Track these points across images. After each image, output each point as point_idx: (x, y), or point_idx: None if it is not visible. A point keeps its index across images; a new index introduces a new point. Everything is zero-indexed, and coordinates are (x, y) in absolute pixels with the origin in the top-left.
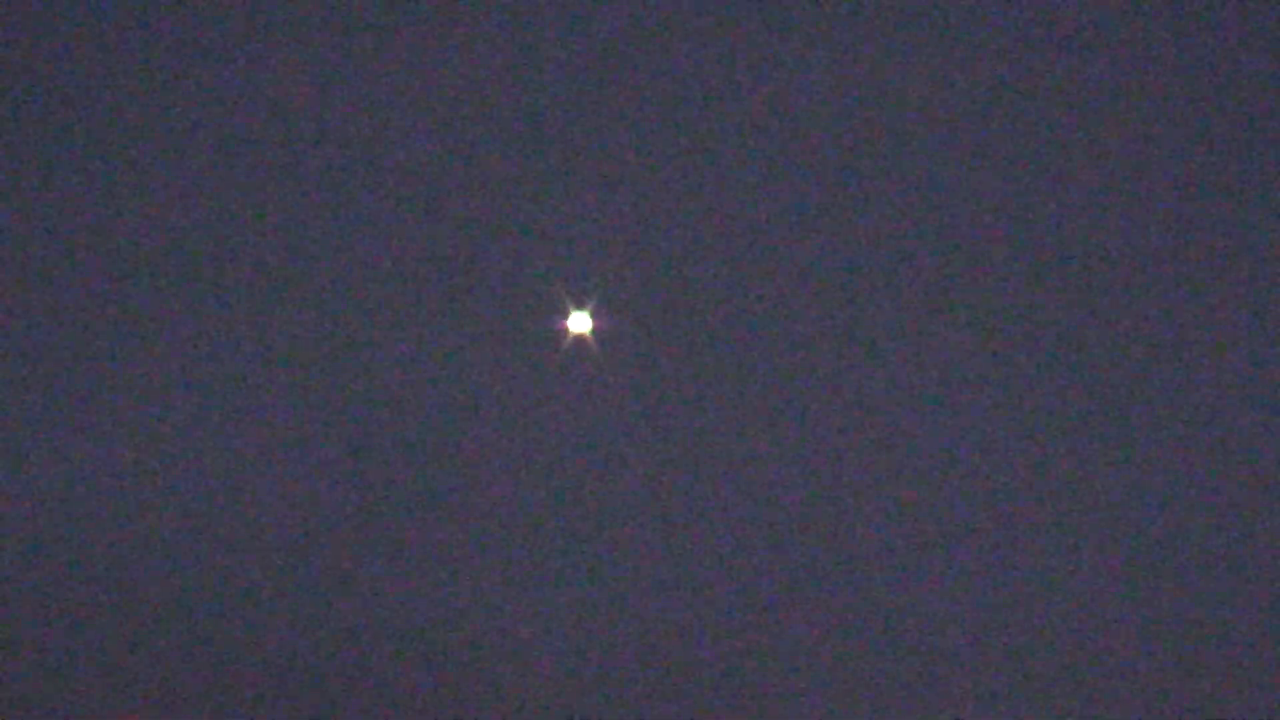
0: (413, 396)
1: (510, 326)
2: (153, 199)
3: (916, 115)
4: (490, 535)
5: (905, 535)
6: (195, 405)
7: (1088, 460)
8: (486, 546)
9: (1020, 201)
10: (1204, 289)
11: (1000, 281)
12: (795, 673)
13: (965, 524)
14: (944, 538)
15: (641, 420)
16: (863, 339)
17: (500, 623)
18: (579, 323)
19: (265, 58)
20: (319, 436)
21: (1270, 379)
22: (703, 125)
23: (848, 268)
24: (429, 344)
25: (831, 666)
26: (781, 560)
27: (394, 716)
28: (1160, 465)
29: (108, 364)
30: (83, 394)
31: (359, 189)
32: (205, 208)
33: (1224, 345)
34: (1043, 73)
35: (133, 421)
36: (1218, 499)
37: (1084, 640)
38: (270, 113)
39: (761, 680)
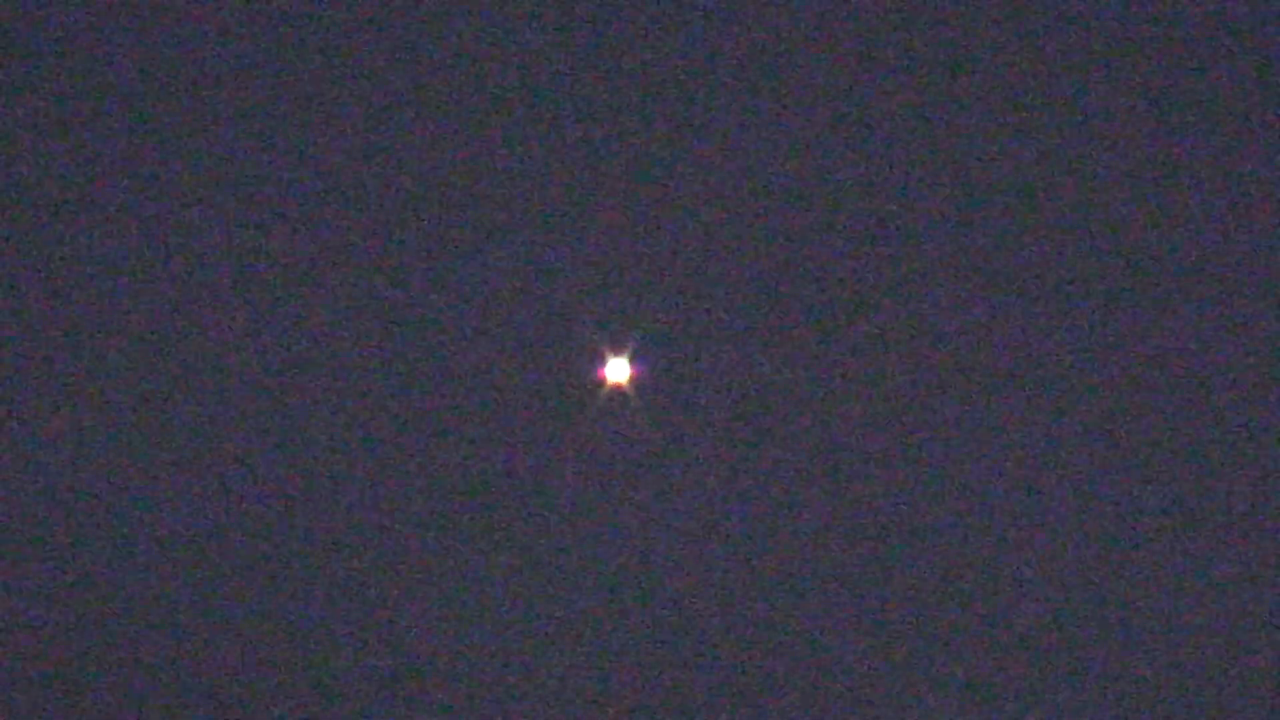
0: (437, 444)
1: (544, 374)
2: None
3: (961, 158)
4: (519, 596)
5: (960, 587)
6: (213, 422)
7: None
8: (505, 615)
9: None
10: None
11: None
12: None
13: (1017, 585)
14: (995, 593)
15: (683, 477)
16: (934, 389)
17: (523, 687)
18: (617, 371)
19: (297, 100)
20: (347, 488)
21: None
22: (747, 161)
23: (916, 308)
24: (454, 390)
25: None
26: (837, 629)
27: None
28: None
29: (108, 364)
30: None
31: (386, 224)
32: (233, 237)
33: (1226, 346)
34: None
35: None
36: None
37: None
38: (301, 152)
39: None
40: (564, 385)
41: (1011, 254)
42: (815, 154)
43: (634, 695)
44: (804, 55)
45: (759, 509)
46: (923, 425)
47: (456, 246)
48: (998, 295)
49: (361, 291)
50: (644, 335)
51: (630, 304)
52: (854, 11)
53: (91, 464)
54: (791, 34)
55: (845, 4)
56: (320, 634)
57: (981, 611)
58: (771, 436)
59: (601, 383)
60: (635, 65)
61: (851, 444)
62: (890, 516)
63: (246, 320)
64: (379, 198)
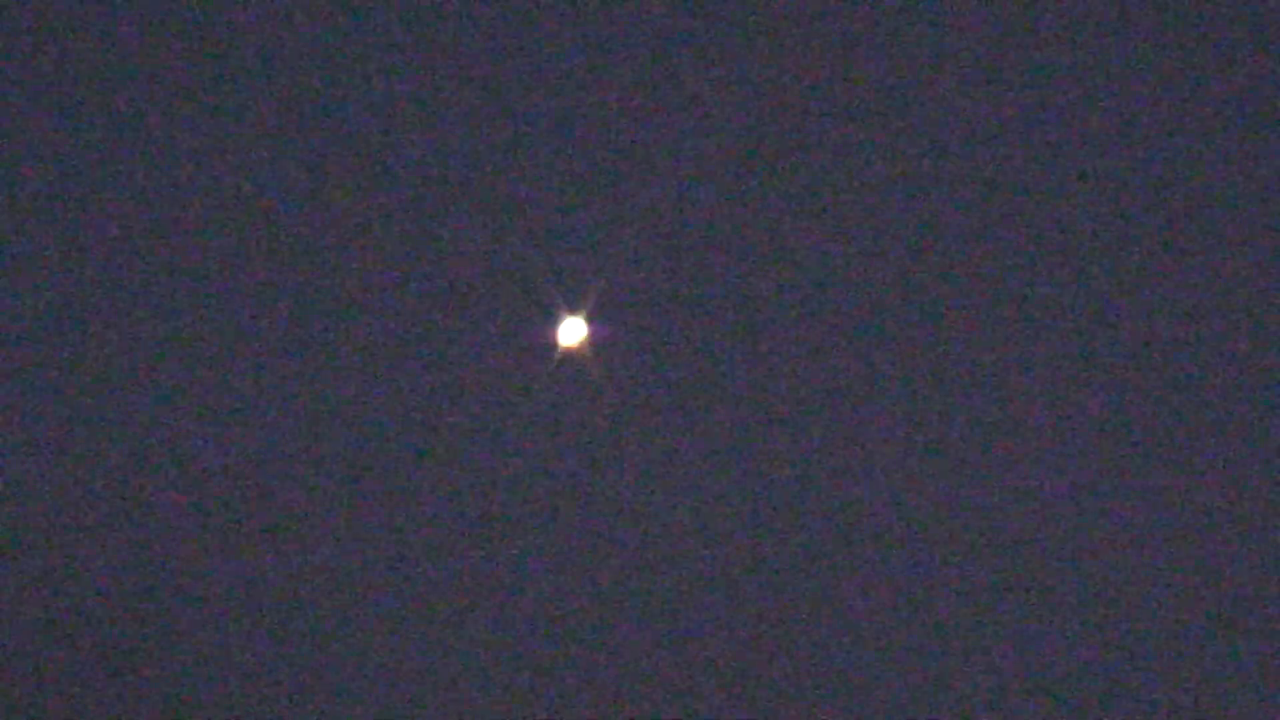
0: (388, 410)
1: (495, 335)
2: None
3: (928, 119)
4: (471, 569)
5: (918, 558)
6: (176, 406)
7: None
8: (467, 582)
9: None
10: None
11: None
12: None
13: (978, 559)
14: (957, 561)
15: (642, 442)
16: (880, 353)
17: (478, 665)
18: (572, 331)
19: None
20: (290, 458)
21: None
22: (710, 115)
23: (863, 273)
24: (405, 353)
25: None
26: (792, 605)
27: None
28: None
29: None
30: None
31: (333, 183)
32: (195, 209)
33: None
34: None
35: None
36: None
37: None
38: (255, 111)
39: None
40: (515, 347)
41: (980, 222)
42: (782, 117)
43: (590, 671)
44: (760, 27)
45: (719, 479)
46: (889, 395)
47: (399, 205)
48: (960, 261)
49: (301, 255)
50: (600, 295)
51: (585, 262)
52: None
53: (88, 463)
54: (755, 10)
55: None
56: (278, 608)
57: (934, 585)
58: (734, 404)
59: (555, 345)
60: (592, 32)
61: (814, 410)
62: (855, 487)
63: (202, 293)
64: (325, 158)
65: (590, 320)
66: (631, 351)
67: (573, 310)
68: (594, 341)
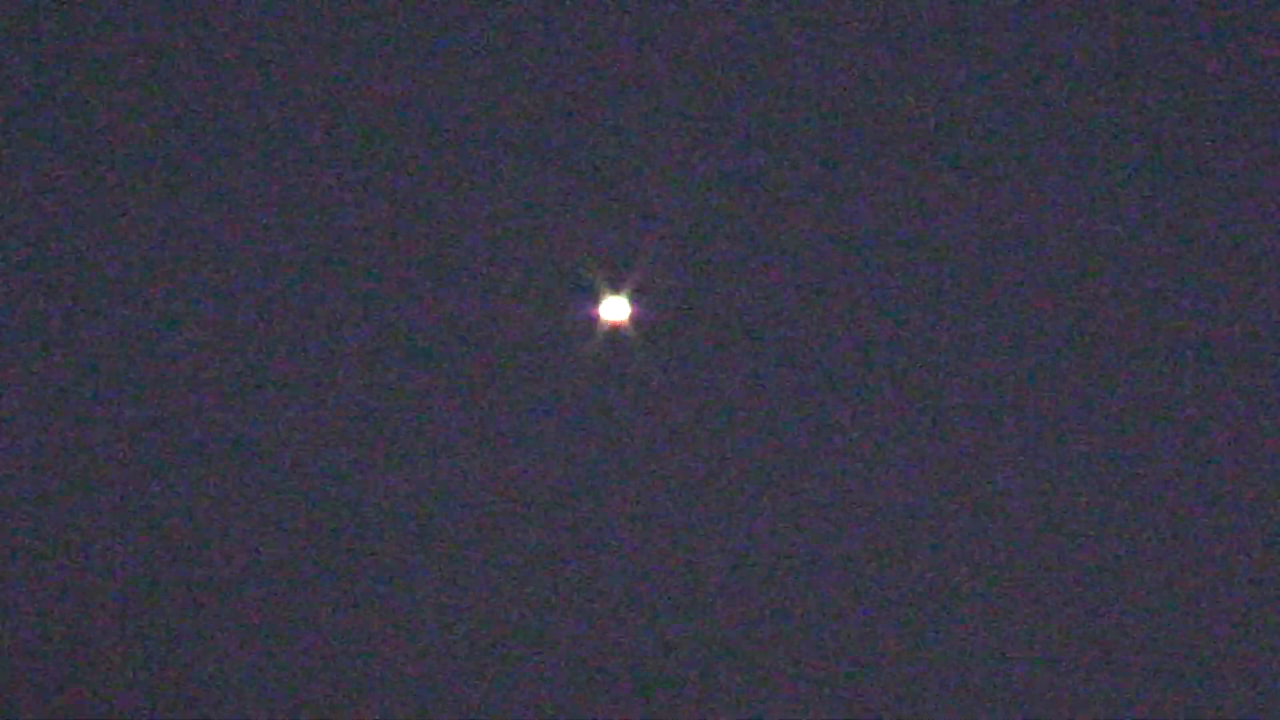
0: (424, 391)
1: (537, 314)
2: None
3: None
4: (509, 546)
5: (961, 541)
6: (200, 407)
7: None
8: (503, 559)
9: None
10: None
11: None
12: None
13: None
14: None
15: (684, 421)
16: (936, 334)
17: (511, 636)
18: (614, 309)
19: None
20: (324, 437)
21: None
22: (758, 91)
23: (924, 251)
24: (442, 333)
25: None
26: (829, 591)
27: None
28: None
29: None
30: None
31: (368, 163)
32: (214, 205)
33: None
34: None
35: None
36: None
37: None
38: (280, 97)
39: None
40: (558, 325)
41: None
42: (825, 88)
43: (633, 655)
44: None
45: (765, 457)
46: (938, 380)
47: (440, 180)
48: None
49: (345, 230)
50: (643, 271)
51: (628, 238)
52: None
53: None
54: None
55: None
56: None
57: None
58: (780, 381)
59: (598, 321)
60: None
61: (863, 389)
62: (898, 471)
63: (241, 260)
64: (365, 128)
65: (634, 299)
66: (676, 330)
67: (616, 289)
68: (637, 320)
